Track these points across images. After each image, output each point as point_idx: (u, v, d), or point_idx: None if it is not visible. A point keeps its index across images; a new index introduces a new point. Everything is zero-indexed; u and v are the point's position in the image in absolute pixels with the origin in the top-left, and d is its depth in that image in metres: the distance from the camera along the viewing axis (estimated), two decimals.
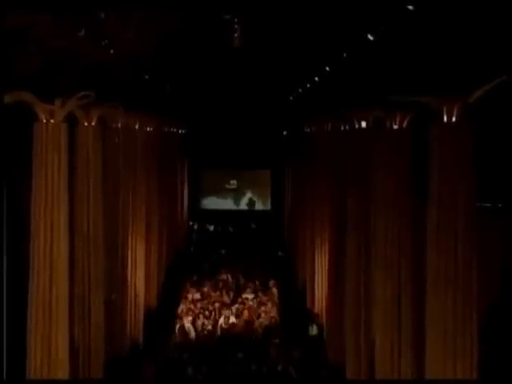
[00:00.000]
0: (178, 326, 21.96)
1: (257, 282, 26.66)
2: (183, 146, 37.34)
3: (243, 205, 41.53)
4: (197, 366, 18.22)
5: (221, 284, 26.76)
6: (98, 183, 16.25)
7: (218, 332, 21.65)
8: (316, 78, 20.85)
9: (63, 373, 13.51)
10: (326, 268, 21.27)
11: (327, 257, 21.08)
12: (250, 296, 24.98)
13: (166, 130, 31.23)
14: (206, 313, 22.92)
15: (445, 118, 11.32)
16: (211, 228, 40.43)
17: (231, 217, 40.33)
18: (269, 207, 41.56)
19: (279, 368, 18.32)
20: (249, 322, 22.39)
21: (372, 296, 14.96)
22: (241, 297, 24.89)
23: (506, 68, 9.24)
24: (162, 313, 24.39)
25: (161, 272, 27.33)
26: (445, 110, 11.26)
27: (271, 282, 26.67)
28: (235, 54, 22.16)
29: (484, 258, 11.77)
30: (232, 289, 26.00)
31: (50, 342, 13.36)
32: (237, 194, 41.41)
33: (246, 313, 23.04)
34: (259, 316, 22.98)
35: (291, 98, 30.69)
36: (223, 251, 33.88)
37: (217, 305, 23.70)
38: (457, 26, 9.91)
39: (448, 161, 11.29)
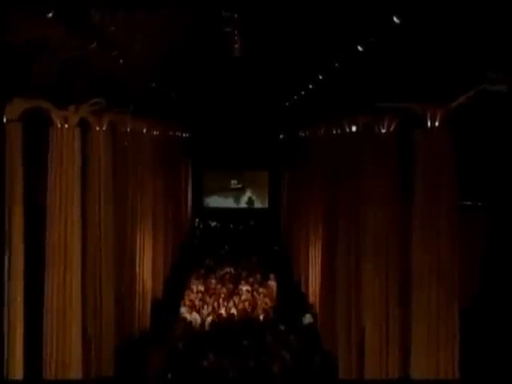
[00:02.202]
0: (181, 317, 22.03)
1: (257, 276, 26.70)
2: (187, 149, 37.43)
3: (243, 203, 41.61)
4: (199, 354, 18.23)
5: (222, 277, 26.82)
6: (108, 183, 16.31)
7: (220, 322, 21.70)
8: (310, 86, 20.91)
9: (76, 360, 13.57)
10: (319, 262, 21.34)
11: (320, 251, 21.15)
12: (250, 288, 25.03)
13: (171, 133, 31.27)
14: (209, 304, 22.98)
15: (428, 123, 11.41)
16: (213, 225, 40.56)
17: (232, 214, 40.45)
18: (266, 205, 41.63)
19: (276, 354, 18.36)
20: (248, 313, 22.46)
21: (362, 288, 15.01)
22: (241, 289, 24.95)
23: (485, 78, 9.35)
24: (168, 304, 24.43)
25: (166, 266, 27.38)
26: (428, 115, 11.35)
27: (270, 275, 26.71)
28: (235, 63, 22.23)
29: (465, 254, 11.85)
30: (233, 281, 26.05)
31: (64, 332, 13.43)
32: (237, 193, 41.50)
33: (246, 304, 23.10)
34: (258, 307, 23.05)
35: (287, 103, 30.74)
36: (226, 247, 33.93)
37: (218, 296, 23.76)
38: (440, 38, 9.99)
39: (431, 162, 11.39)
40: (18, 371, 12.37)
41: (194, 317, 21.84)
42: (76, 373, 13.52)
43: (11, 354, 12.33)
